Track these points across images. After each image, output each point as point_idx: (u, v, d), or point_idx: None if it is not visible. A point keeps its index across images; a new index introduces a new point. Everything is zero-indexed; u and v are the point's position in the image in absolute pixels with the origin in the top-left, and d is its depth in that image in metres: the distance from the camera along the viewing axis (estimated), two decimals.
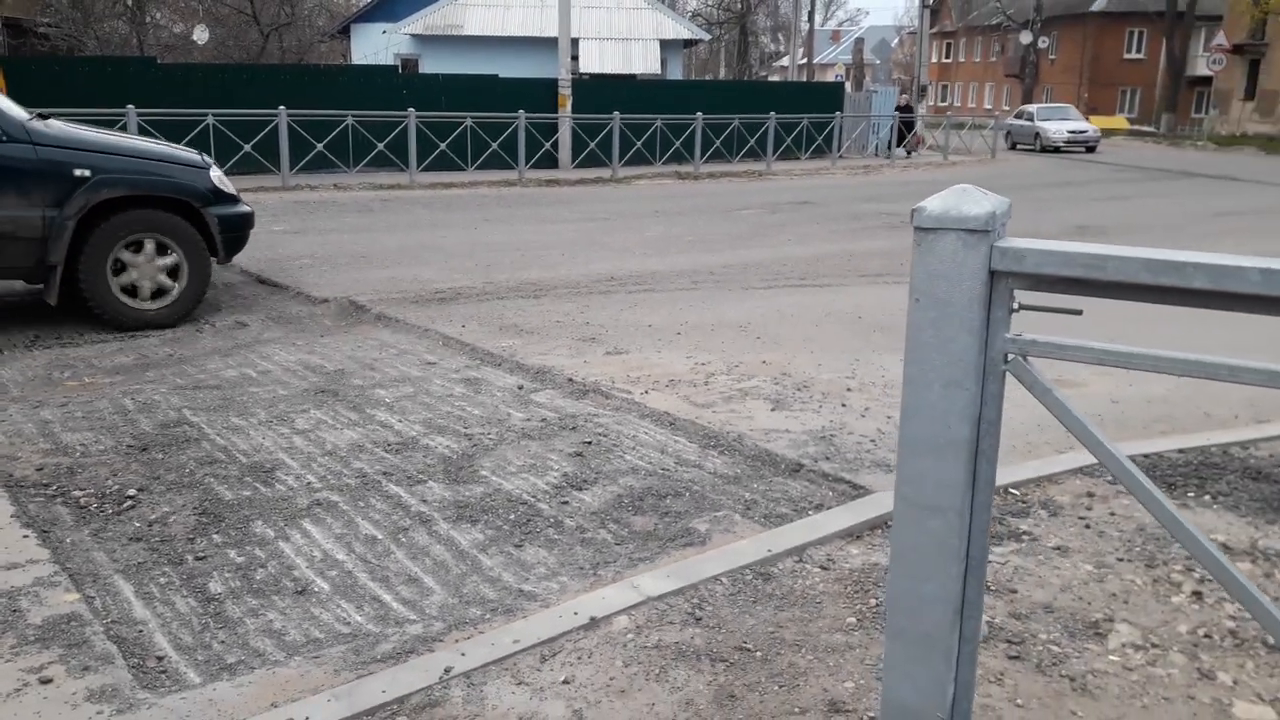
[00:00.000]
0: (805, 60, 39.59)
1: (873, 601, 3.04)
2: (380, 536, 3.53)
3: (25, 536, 3.43)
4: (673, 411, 4.98)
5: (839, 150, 23.84)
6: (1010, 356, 1.41)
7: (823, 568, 3.27)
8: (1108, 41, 48.79)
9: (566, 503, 3.86)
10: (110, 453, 4.29)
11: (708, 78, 51.61)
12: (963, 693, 1.54)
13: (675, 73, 28.97)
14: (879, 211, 14.37)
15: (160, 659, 2.73)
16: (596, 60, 25.87)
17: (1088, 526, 3.64)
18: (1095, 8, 48.39)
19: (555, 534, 3.58)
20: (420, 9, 26.61)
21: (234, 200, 7.11)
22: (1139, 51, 49.05)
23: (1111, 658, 2.76)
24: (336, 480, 4.02)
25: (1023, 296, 1.41)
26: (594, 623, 2.89)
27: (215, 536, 3.50)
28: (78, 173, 6.34)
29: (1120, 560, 3.37)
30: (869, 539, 3.50)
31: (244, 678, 2.64)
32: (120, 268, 6.58)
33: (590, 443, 4.52)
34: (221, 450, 4.33)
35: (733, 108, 22.10)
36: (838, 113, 24.26)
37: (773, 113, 22.00)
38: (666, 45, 27.88)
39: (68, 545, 3.40)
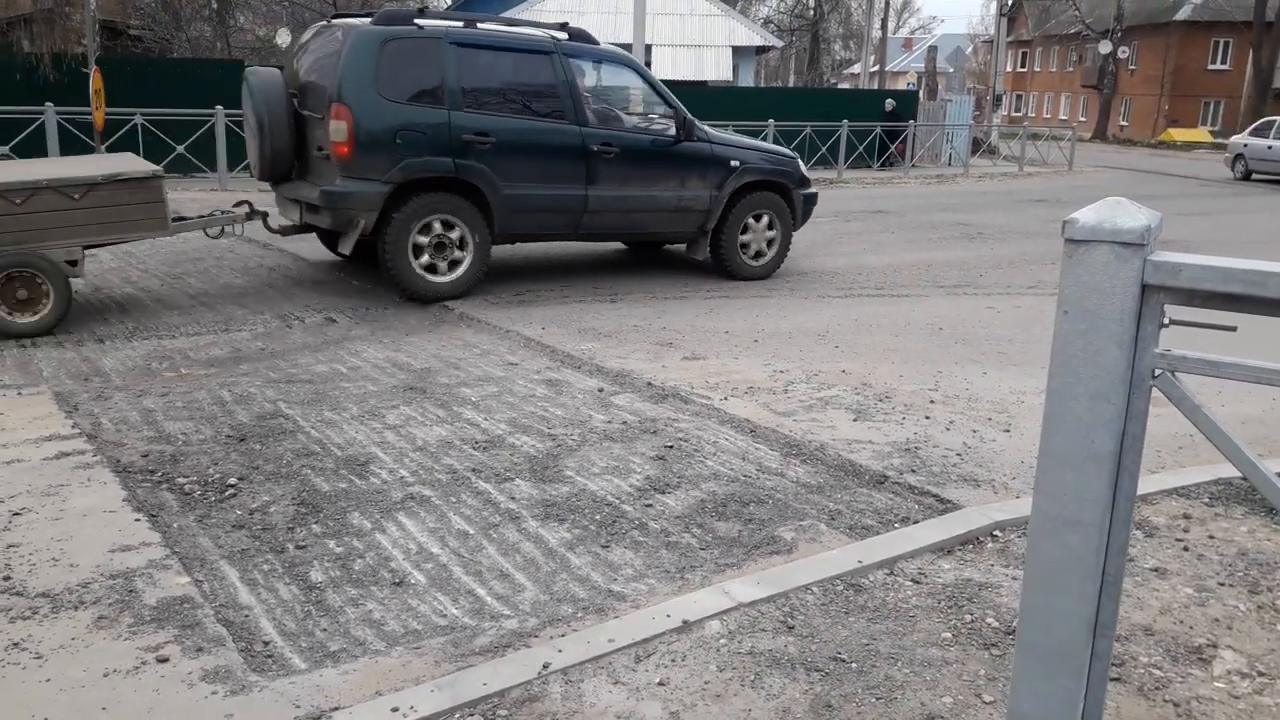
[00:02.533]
0: (877, 68, 39.21)
1: (968, 617, 3.01)
2: (472, 532, 3.59)
3: (137, 520, 3.57)
4: (753, 419, 4.98)
5: (911, 159, 23.55)
6: (1158, 372, 1.40)
7: (915, 581, 3.24)
8: (1191, 51, 47.38)
9: (650, 505, 3.89)
10: (210, 442, 4.43)
11: (778, 84, 51.40)
12: (1092, 711, 1.52)
13: (747, 79, 28.92)
14: (955, 221, 14.17)
15: (266, 643, 2.82)
16: (670, 67, 25.95)
17: (1186, 549, 3.56)
18: (1179, 17, 47.04)
19: (640, 536, 3.61)
20: (496, 14, 27.02)
21: (809, 184, 9.33)
22: (1224, 62, 47.55)
23: (1217, 684, 2.70)
24: (428, 475, 4.11)
25: (1172, 311, 1.40)
26: (686, 626, 2.91)
27: (314, 526, 3.60)
28: (733, 164, 8.54)
29: (1222, 585, 3.29)
30: (960, 554, 3.47)
31: (347, 665, 2.72)
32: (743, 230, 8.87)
33: (671, 447, 4.55)
34: (316, 443, 4.45)
35: (804, 115, 21.97)
36: (911, 121, 23.97)
37: (845, 121, 21.82)
38: (739, 52, 27.85)
39: (175, 530, 3.53)
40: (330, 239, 8.62)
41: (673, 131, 8.33)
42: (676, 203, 8.42)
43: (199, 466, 4.14)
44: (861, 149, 22.57)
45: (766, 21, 41.99)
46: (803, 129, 21.64)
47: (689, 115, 8.43)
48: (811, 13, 41.28)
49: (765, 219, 8.90)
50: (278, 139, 7.57)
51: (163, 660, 2.69)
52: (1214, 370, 1.35)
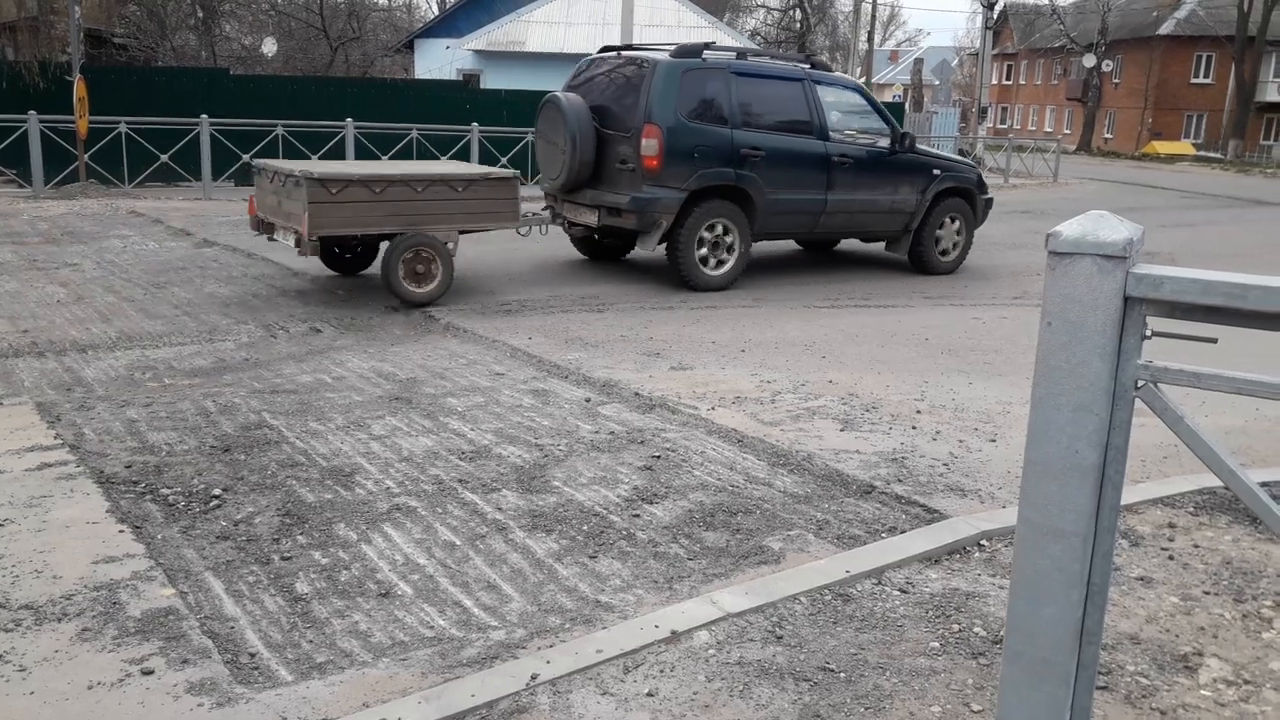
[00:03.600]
0: (864, 79, 39.45)
1: (955, 627, 3.01)
2: (459, 543, 3.58)
3: (121, 531, 3.55)
4: (740, 428, 4.99)
5: None
6: (1141, 383, 1.41)
7: (902, 591, 3.25)
8: (1174, 65, 47.87)
9: (638, 515, 3.89)
10: (194, 453, 4.41)
11: None
12: (1079, 719, 1.53)
13: None
14: None
15: (253, 655, 2.80)
16: None
17: (1171, 558, 3.58)
18: (1162, 31, 47.54)
19: (628, 546, 3.61)
20: (483, 25, 27.03)
21: (987, 189, 10.71)
22: (1206, 76, 48.05)
23: (1203, 692, 2.71)
24: (414, 486, 4.09)
25: (1154, 323, 1.41)
26: (675, 636, 2.91)
27: (299, 537, 3.58)
28: (935, 172, 10.05)
29: (1207, 593, 3.31)
30: (948, 564, 3.48)
31: (335, 677, 2.70)
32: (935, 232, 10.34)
33: (659, 457, 4.54)
34: (301, 453, 4.43)
35: None
36: None
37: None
38: None
39: (159, 541, 3.50)
40: (591, 246, 10.39)
41: (888, 144, 9.84)
42: (891, 205, 9.89)
43: (183, 477, 4.11)
44: None
45: (753, 34, 42.21)
46: None
47: (906, 131, 10.10)
48: (798, 25, 41.52)
49: (955, 221, 10.36)
50: (585, 154, 8.83)
51: (147, 673, 2.67)
52: (1196, 381, 1.36)
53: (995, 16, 32.58)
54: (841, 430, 5.03)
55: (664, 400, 5.44)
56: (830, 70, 10.06)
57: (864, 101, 10.19)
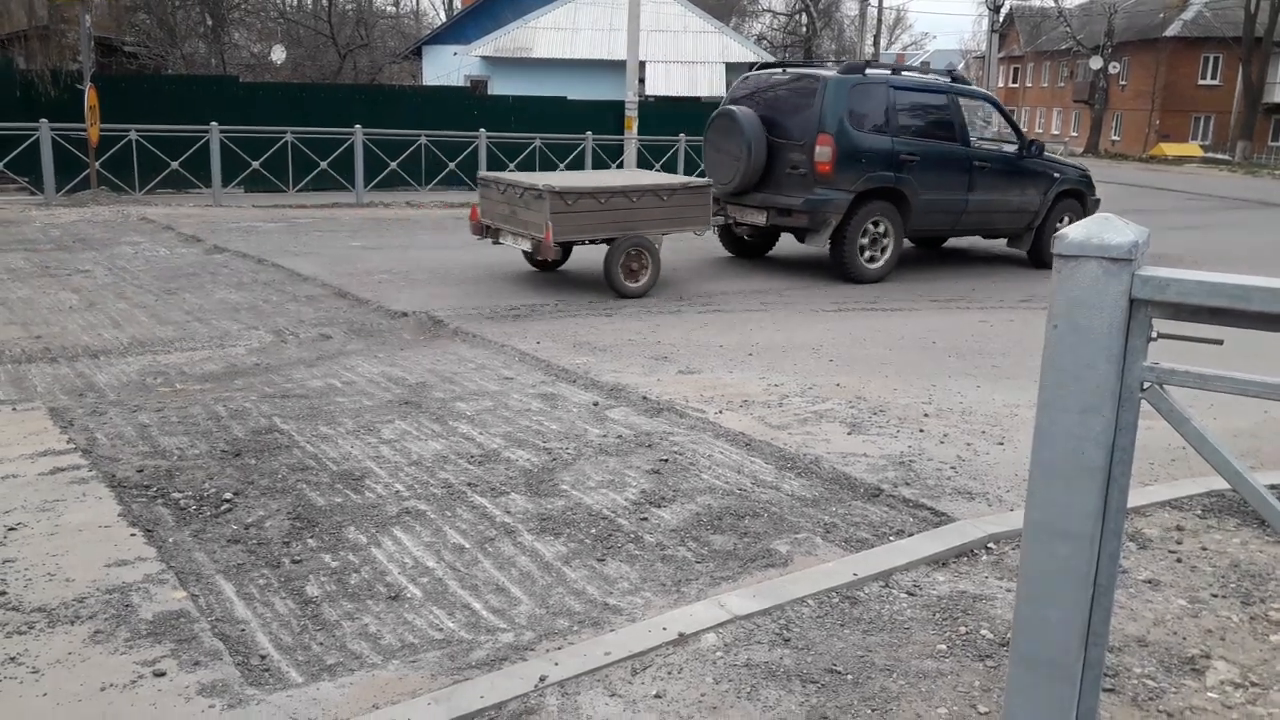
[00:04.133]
0: None
1: (962, 629, 3.02)
2: (467, 546, 3.60)
3: (132, 535, 3.57)
4: (748, 432, 5.00)
5: None
6: (1147, 385, 1.42)
7: (909, 594, 3.26)
8: (1181, 67, 47.73)
9: (645, 519, 3.90)
10: (205, 457, 4.44)
11: None
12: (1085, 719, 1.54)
13: None
14: None
15: (263, 657, 2.82)
16: (663, 83, 26.09)
17: (1179, 561, 3.58)
18: (1169, 33, 47.41)
19: (636, 549, 3.62)
20: (490, 32, 27.11)
21: (1095, 191, 11.78)
22: (1214, 78, 47.91)
23: (1210, 695, 2.72)
24: (423, 490, 4.12)
25: (1160, 325, 1.42)
26: (682, 639, 2.92)
27: (310, 541, 3.60)
28: (1055, 175, 11.24)
29: (1214, 596, 3.31)
30: (955, 566, 3.48)
31: (345, 679, 2.72)
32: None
33: (666, 460, 4.56)
34: (312, 458, 4.45)
35: None
36: None
37: None
38: (732, 68, 28.01)
39: (171, 545, 3.53)
40: (739, 244, 11.50)
41: (1017, 149, 11.05)
42: (1019, 205, 11.02)
43: (194, 481, 4.14)
44: None
45: (760, 38, 42.24)
46: None
47: (1033, 138, 11.37)
48: (804, 29, 41.55)
49: (1070, 219, 11.16)
50: (758, 160, 9.94)
51: (159, 674, 2.69)
52: (1202, 383, 1.38)
53: (1001, 19, 32.55)
54: (849, 433, 5.04)
55: (672, 404, 5.45)
56: (968, 84, 11.45)
57: (996, 111, 11.76)
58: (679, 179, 9.96)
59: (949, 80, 10.84)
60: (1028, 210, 11.09)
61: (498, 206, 9.07)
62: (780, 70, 10.67)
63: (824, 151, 9.61)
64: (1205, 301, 1.34)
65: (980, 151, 10.72)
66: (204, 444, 4.60)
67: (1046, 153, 11.39)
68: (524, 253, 9.59)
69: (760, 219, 10.19)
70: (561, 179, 9.32)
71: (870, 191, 9.82)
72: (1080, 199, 11.56)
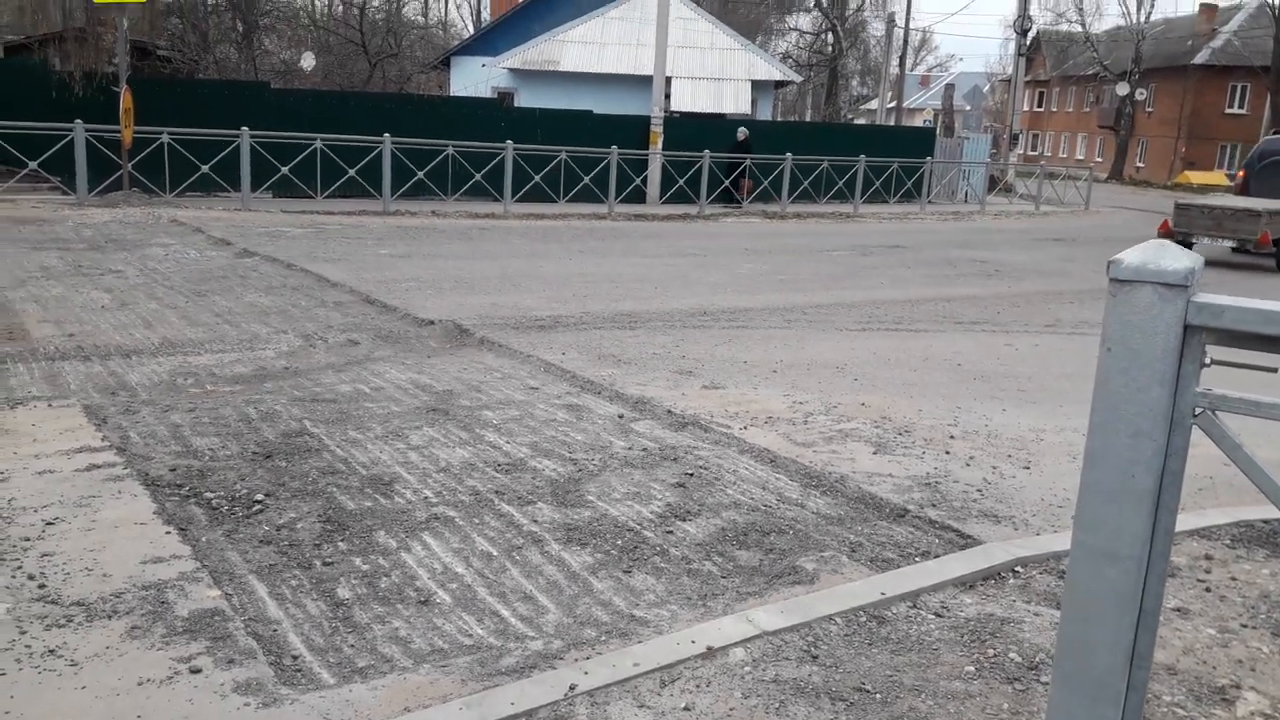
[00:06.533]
0: (894, 104, 39.45)
1: (990, 652, 3.02)
2: (495, 553, 3.63)
3: (168, 533, 3.62)
4: (773, 449, 5.01)
5: (928, 195, 23.65)
6: (1199, 410, 1.44)
7: (937, 615, 3.26)
8: (1209, 95, 47.51)
9: (671, 532, 3.92)
10: (237, 458, 4.49)
11: (794, 119, 51.74)
12: None
13: (765, 113, 29.14)
14: (972, 259, 14.21)
15: (295, 658, 2.86)
16: (689, 99, 26.17)
17: (1208, 590, 3.57)
18: (1197, 60, 47.23)
19: (662, 562, 3.64)
20: (518, 44, 27.31)
21: None
22: (1241, 106, 47.64)
23: None
24: (451, 496, 4.15)
25: (1213, 351, 1.44)
26: (711, 652, 2.93)
27: (340, 544, 3.64)
28: None
29: (1244, 626, 3.29)
30: (982, 589, 3.48)
31: (376, 681, 2.75)
32: None
33: (692, 474, 4.58)
34: (341, 461, 4.50)
35: (821, 149, 22.14)
36: (928, 158, 24.11)
37: (863, 156, 21.96)
38: (757, 86, 28.10)
39: (204, 544, 3.57)
40: None
41: None
42: None
43: (226, 482, 4.19)
44: (879, 184, 22.70)
45: (785, 56, 42.35)
46: (820, 163, 21.79)
47: None
48: (830, 49, 41.65)
49: None
50: None
51: (195, 671, 2.73)
52: (1255, 410, 1.39)
53: (1028, 43, 32.50)
54: (874, 453, 5.04)
55: (696, 418, 5.47)
56: None
57: None
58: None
59: None
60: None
61: (1200, 221, 14.91)
62: None
63: None
64: (1260, 329, 1.35)
65: None
66: (235, 445, 4.65)
67: None
68: (1232, 248, 15.40)
69: None
70: (1258, 203, 14.89)
71: None
72: None
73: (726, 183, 20.55)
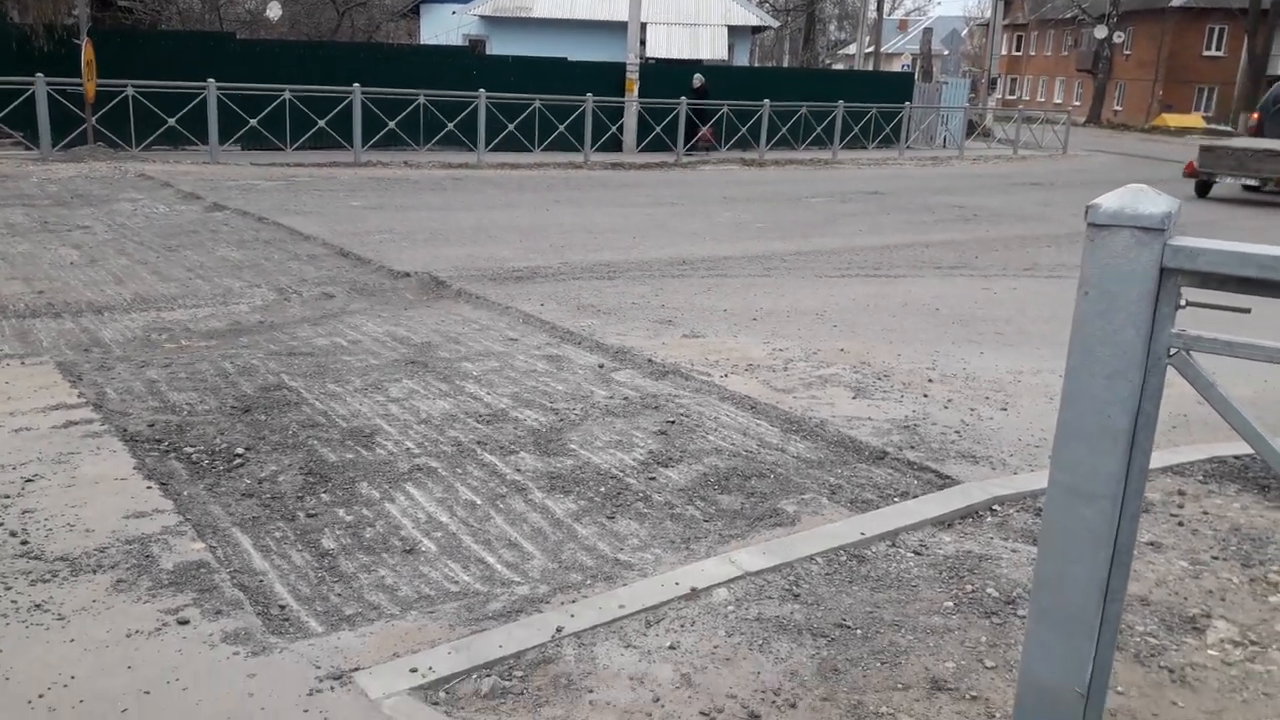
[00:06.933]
0: (872, 49, 39.12)
1: (969, 587, 3.08)
2: (479, 502, 3.64)
3: (149, 488, 3.61)
4: (753, 395, 5.04)
5: (906, 141, 23.59)
6: (1174, 351, 1.45)
7: (916, 553, 3.31)
8: (1186, 38, 47.40)
9: (654, 479, 3.95)
10: (215, 413, 4.46)
11: (771, 64, 51.21)
12: (1100, 673, 1.59)
13: (742, 59, 28.85)
14: (950, 204, 14.22)
15: (283, 607, 2.87)
16: (664, 45, 25.85)
17: (1180, 524, 3.64)
18: (1174, 3, 47.03)
19: (645, 508, 3.67)
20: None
21: None
22: (1218, 49, 47.60)
23: (1210, 652, 2.78)
24: (433, 447, 4.15)
25: (1187, 293, 1.45)
26: (695, 593, 2.98)
27: (323, 495, 3.64)
28: None
29: (1215, 559, 3.37)
30: (960, 527, 3.54)
31: (364, 628, 2.77)
32: None
33: (673, 422, 4.60)
34: (321, 414, 4.48)
35: (799, 95, 21.97)
36: (907, 103, 23.99)
37: (841, 102, 21.82)
38: (734, 31, 27.77)
39: (186, 498, 3.57)
40: None
41: None
42: None
43: (206, 436, 4.17)
44: (857, 130, 22.59)
45: (762, 2, 41.78)
46: (798, 109, 21.64)
47: None
48: None
49: None
50: None
51: (183, 622, 2.74)
52: (1228, 350, 1.41)
53: None
54: (854, 398, 5.08)
55: (677, 367, 5.48)
56: None
57: None
58: None
59: None
60: None
61: (1225, 160, 15.94)
62: None
63: None
64: (1235, 271, 1.36)
65: None
66: (213, 400, 4.63)
67: None
68: (1244, 186, 16.27)
69: None
70: (1271, 144, 15.93)
71: None
72: None
73: (703, 130, 20.35)
